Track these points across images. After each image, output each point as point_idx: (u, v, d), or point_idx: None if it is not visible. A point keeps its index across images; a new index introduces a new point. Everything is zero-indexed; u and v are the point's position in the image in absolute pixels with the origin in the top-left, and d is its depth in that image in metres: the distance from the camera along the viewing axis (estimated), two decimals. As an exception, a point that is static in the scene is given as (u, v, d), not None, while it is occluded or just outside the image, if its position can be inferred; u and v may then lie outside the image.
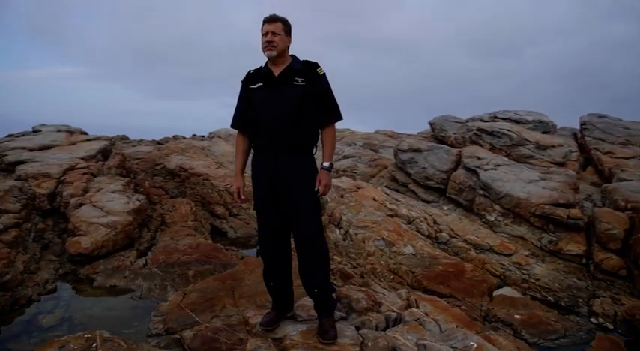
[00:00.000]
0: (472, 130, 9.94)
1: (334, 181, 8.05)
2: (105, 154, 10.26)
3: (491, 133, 9.44)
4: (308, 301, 3.45)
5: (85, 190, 7.95)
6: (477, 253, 5.98)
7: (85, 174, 8.61)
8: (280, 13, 2.93)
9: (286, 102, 2.86)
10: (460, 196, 7.31)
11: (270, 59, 2.94)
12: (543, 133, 10.10)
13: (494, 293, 5.14)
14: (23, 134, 11.01)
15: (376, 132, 19.41)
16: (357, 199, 7.26)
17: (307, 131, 2.93)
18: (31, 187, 7.76)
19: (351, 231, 6.43)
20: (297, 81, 2.87)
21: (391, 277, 5.50)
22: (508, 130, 9.37)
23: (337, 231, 6.68)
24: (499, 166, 7.41)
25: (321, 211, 3.07)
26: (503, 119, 10.67)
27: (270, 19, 2.90)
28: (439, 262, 5.55)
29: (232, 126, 3.16)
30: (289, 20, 2.98)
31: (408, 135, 18.97)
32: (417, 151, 8.30)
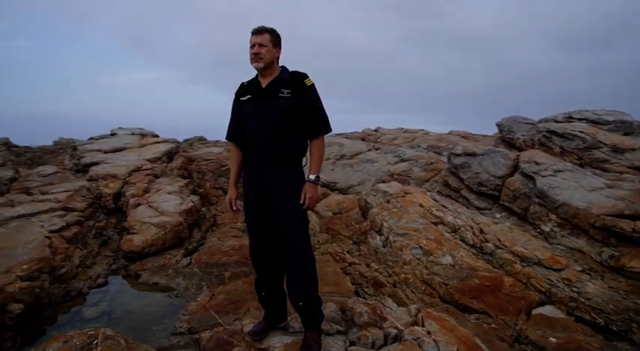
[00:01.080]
0: (542, 132, 9.26)
1: (381, 186, 7.88)
2: (170, 155, 10.83)
3: (562, 135, 8.72)
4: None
5: (146, 191, 8.44)
6: (522, 266, 5.54)
7: (147, 175, 9.14)
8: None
9: (272, 114, 2.82)
10: (514, 203, 6.83)
11: (258, 71, 2.92)
12: (625, 134, 9.17)
13: (533, 312, 4.73)
14: (102, 137, 11.94)
15: (449, 133, 18.77)
16: (403, 204, 7.04)
17: (293, 143, 2.86)
18: (98, 187, 8.38)
19: (390, 238, 6.25)
20: (282, 93, 2.83)
21: (422, 288, 5.26)
22: (581, 132, 8.60)
23: (378, 237, 6.52)
24: (559, 171, 6.81)
25: (308, 223, 2.99)
26: (579, 119, 9.80)
27: (258, 31, 2.87)
28: (477, 275, 5.22)
29: (226, 138, 3.18)
30: (278, 31, 2.95)
31: (484, 136, 18.13)
32: (472, 155, 7.87)
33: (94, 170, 9.23)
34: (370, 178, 10.53)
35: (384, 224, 6.48)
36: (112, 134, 12.07)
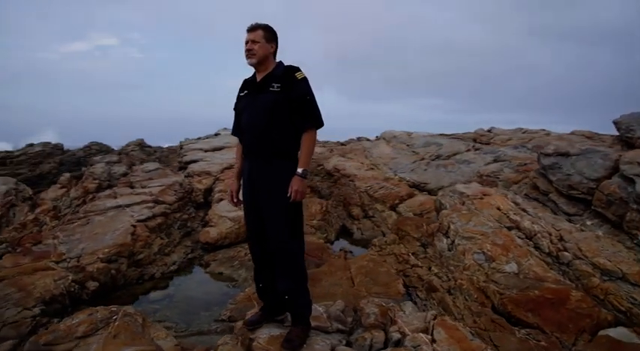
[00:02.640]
0: (667, 130, 7.99)
1: (459, 187, 7.43)
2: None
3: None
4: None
5: (233, 187, 8.93)
6: (602, 280, 4.82)
7: (238, 172, 9.66)
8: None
9: (261, 108, 2.85)
10: (608, 209, 5.97)
11: (252, 67, 2.97)
12: None
13: (600, 333, 4.09)
14: (207, 137, 12.90)
15: (572, 133, 17.04)
16: (478, 206, 6.56)
17: (282, 137, 2.85)
18: (190, 183, 9.07)
19: (456, 241, 5.87)
20: (273, 87, 2.84)
21: (475, 296, 4.85)
22: None
23: (444, 240, 6.15)
24: (668, 174, 5.81)
25: (299, 216, 2.95)
26: None
27: (251, 28, 2.92)
28: (540, 287, 4.67)
29: (232, 133, 3.28)
30: (272, 26, 2.96)
31: (612, 136, 16.15)
32: (564, 155, 7.03)
33: (192, 167, 10.03)
34: (463, 179, 9.98)
35: (451, 226, 6.10)
36: (216, 134, 12.99)
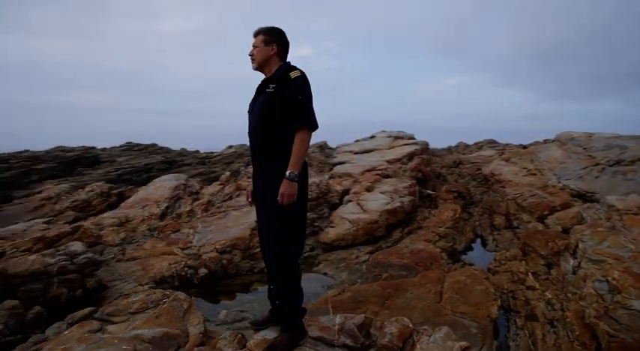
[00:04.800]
0: None
1: (610, 199, 6.15)
2: (411, 157, 11.02)
3: None
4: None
5: (368, 189, 8.96)
6: None
7: (377, 175, 9.64)
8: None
9: (257, 110, 2.87)
10: None
11: (256, 71, 3.00)
12: None
13: None
14: (364, 139, 13.10)
15: None
16: (627, 224, 5.33)
17: (277, 138, 2.79)
18: (328, 184, 9.38)
19: (582, 263, 4.88)
20: (269, 88, 2.83)
21: (578, 333, 3.94)
22: None
23: (571, 261, 5.16)
24: None
25: (294, 220, 2.84)
26: None
27: (254, 34, 2.96)
28: (670, 332, 3.58)
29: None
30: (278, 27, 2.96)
31: None
32: None
33: (336, 169, 10.35)
34: (643, 189, 8.17)
35: (580, 245, 5.08)
36: (372, 137, 13.09)
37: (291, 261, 2.89)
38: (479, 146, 21.28)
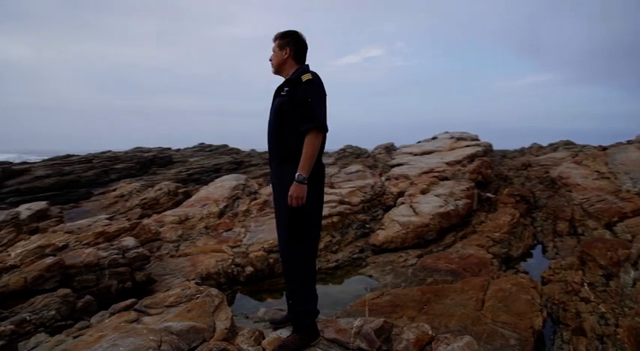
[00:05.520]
0: None
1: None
2: (472, 159, 10.65)
3: None
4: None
5: (423, 192, 8.80)
6: None
7: (434, 177, 9.44)
8: None
9: (272, 113, 2.96)
10: None
11: (275, 75, 3.08)
12: None
13: None
14: (425, 140, 12.83)
15: None
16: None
17: (290, 141, 2.85)
18: (383, 186, 9.31)
19: (643, 276, 4.52)
20: (283, 91, 2.90)
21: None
22: None
23: (632, 272, 4.79)
24: None
25: (305, 222, 2.88)
26: None
27: (272, 39, 3.06)
28: None
29: None
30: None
31: None
32: None
33: (393, 171, 10.24)
34: None
35: (641, 256, 4.70)
36: (433, 138, 12.80)
37: (303, 262, 2.93)
38: (554, 148, 20.15)
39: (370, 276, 6.39)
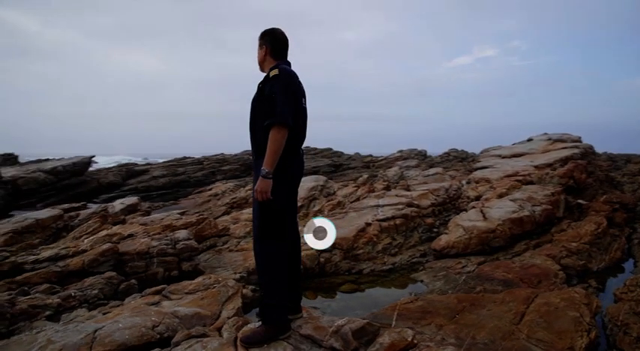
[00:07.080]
0: None
1: None
2: (566, 162, 9.72)
3: None
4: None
5: (500, 196, 8.28)
6: None
7: (516, 180, 8.81)
8: None
9: (250, 110, 3.08)
10: None
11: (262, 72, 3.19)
12: None
13: None
14: (521, 142, 11.96)
15: None
16: None
17: (261, 137, 2.91)
18: (459, 189, 8.93)
19: None
20: (258, 87, 3.01)
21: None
22: None
23: None
24: None
25: (274, 217, 2.92)
26: None
27: None
28: None
29: None
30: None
31: None
32: None
33: (475, 174, 9.73)
34: None
35: None
36: (528, 140, 11.87)
37: (274, 256, 2.96)
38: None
39: (421, 281, 6.18)
